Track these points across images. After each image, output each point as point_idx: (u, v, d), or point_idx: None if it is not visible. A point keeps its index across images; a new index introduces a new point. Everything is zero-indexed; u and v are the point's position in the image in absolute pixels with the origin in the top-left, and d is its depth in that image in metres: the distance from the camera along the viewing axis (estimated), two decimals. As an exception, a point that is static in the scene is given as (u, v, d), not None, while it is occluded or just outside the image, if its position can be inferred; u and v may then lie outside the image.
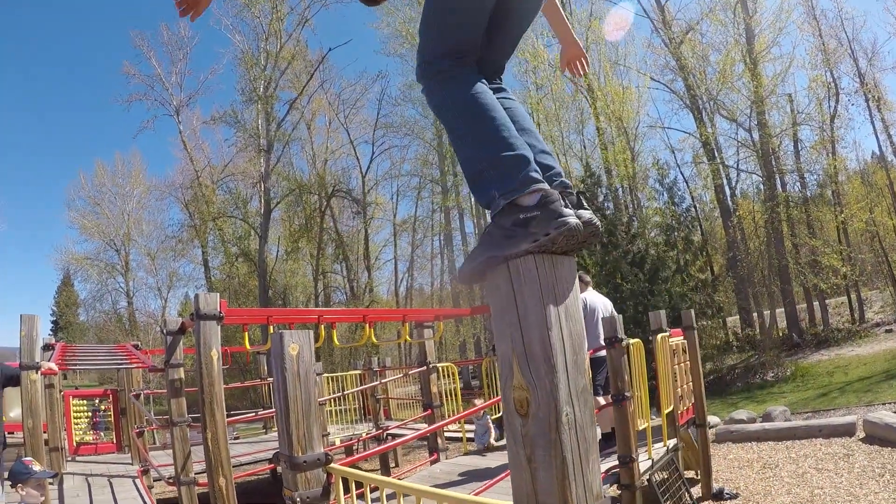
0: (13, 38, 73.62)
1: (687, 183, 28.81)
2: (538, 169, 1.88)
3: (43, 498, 4.56)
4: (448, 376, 10.69)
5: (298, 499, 3.01)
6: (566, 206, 1.79)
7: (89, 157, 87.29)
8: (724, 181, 26.99)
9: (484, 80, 2.05)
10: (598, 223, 1.91)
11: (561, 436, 1.69)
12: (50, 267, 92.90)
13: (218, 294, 4.84)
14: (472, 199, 34.76)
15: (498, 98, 2.09)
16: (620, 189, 27.83)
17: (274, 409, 11.58)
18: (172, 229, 43.25)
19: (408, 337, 7.27)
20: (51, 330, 59.58)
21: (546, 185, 1.83)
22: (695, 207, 28.02)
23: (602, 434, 7.42)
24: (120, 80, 51.77)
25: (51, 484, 4.70)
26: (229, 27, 36.34)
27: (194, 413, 6.46)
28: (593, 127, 29.53)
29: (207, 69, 39.87)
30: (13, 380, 5.79)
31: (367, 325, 6.61)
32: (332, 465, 3.13)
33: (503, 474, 5.73)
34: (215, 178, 38.90)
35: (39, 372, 5.43)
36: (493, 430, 8.97)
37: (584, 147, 31.73)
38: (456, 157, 2.09)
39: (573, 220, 1.76)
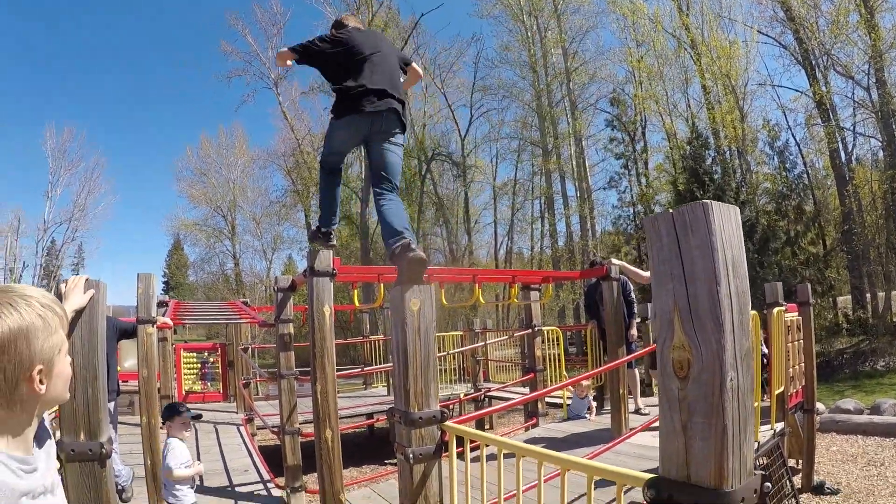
0: (122, 28, 78.34)
1: (799, 147, 26.68)
2: None
3: (189, 433, 5.08)
4: (552, 341, 10.57)
5: (411, 455, 3.00)
6: None
7: (194, 131, 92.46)
8: (840, 145, 24.77)
9: None
10: None
11: (724, 402, 1.57)
12: (161, 233, 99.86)
13: (331, 251, 4.88)
14: (574, 162, 34.09)
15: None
16: (728, 152, 26.45)
17: (385, 366, 11.81)
18: (276, 195, 45.66)
19: (515, 299, 7.14)
20: (162, 290, 63.44)
21: None
22: (807, 174, 26.13)
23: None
24: (219, 58, 53.66)
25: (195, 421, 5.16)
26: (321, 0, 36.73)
27: (299, 367, 6.65)
28: (699, 85, 28.16)
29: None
30: (126, 333, 6.20)
31: (477, 285, 6.55)
32: (446, 422, 3.12)
33: (610, 444, 5.63)
34: (316, 146, 39.48)
35: (155, 326, 5.65)
36: (593, 412, 8.90)
37: (690, 107, 30.29)
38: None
39: None
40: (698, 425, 1.62)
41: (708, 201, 1.68)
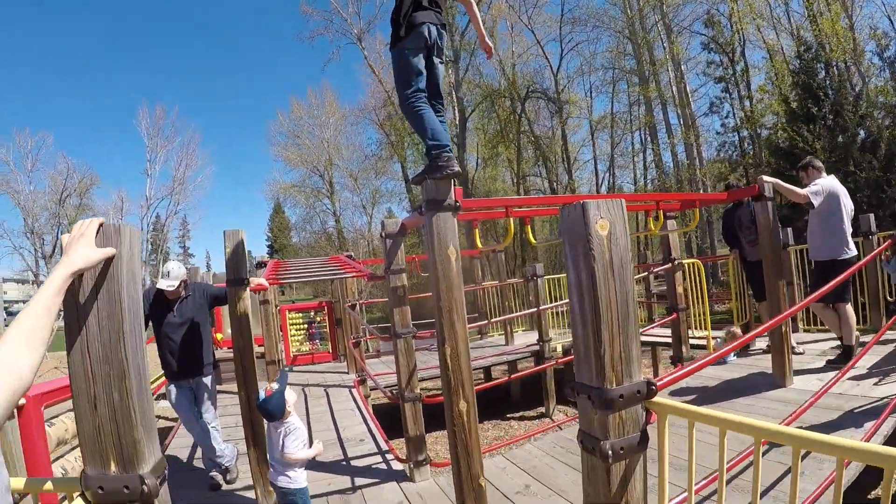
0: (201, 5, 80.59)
1: (910, 55, 24.60)
2: None
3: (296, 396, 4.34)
4: (693, 275, 9.39)
5: (609, 450, 2.02)
6: None
7: (283, 96, 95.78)
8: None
9: None
10: None
11: None
12: (261, 197, 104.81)
13: (453, 180, 3.91)
14: (675, 88, 32.23)
15: None
16: (836, 65, 24.04)
17: (513, 315, 10.98)
18: (371, 149, 46.50)
19: (655, 228, 5.95)
20: (267, 252, 66.51)
21: None
22: (921, 85, 23.80)
23: (843, 346, 6.67)
24: (300, 20, 54.64)
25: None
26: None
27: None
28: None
29: (383, -7, 39.72)
30: (218, 299, 5.77)
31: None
32: (656, 398, 2.11)
33: (811, 398, 4.48)
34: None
35: (249, 288, 4.96)
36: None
37: (791, 21, 28.67)
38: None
39: None
40: None
41: None
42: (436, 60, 4.32)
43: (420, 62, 4.20)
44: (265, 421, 4.32)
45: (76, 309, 1.67)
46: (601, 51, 37.59)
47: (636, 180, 39.38)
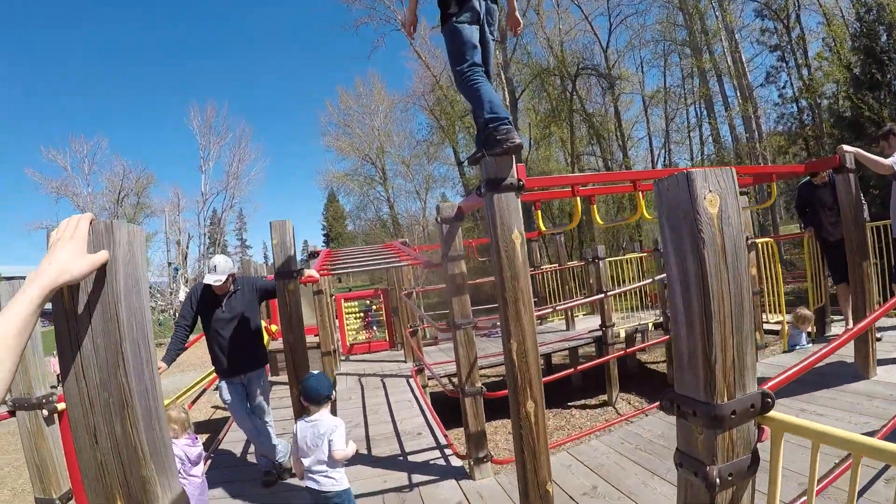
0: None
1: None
2: None
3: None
4: (767, 255, 8.84)
5: (717, 476, 1.66)
6: None
7: (331, 86, 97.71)
8: None
9: None
10: None
11: None
12: (315, 188, 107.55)
13: (514, 156, 3.55)
14: (730, 58, 31.04)
15: None
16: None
17: (573, 301, 10.58)
18: (422, 134, 46.37)
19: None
20: (323, 242, 67.54)
21: None
22: None
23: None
24: (342, 10, 55.16)
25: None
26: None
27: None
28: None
29: (425, -22, 39.22)
30: (268, 293, 5.65)
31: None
32: (772, 412, 1.73)
33: None
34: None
35: (299, 281, 4.74)
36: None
37: None
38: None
39: None
40: None
41: None
42: (488, 36, 4.15)
43: (474, 36, 3.98)
44: (298, 428, 4.11)
45: (67, 325, 1.36)
46: (651, 23, 36.30)
47: (692, 156, 38.03)
